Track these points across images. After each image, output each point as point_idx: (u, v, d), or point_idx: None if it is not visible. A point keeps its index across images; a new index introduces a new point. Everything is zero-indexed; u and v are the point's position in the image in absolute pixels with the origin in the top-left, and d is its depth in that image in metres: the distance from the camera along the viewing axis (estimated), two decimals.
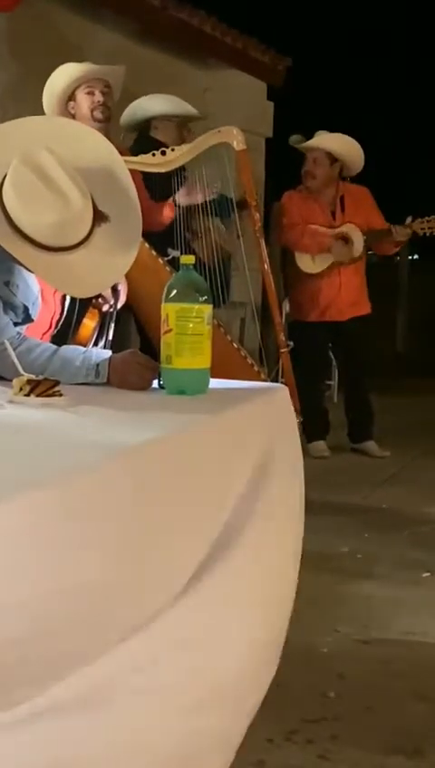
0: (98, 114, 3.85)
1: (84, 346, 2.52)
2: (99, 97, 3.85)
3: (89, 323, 2.80)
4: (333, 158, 5.01)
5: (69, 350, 2.05)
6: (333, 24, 16.45)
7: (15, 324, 2.12)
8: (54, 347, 2.05)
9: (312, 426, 5.04)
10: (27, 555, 1.03)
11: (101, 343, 2.89)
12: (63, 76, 3.82)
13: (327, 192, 5.10)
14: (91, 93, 3.85)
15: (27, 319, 2.18)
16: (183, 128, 4.09)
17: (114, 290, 2.75)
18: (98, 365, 1.97)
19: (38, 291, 2.20)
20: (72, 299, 2.60)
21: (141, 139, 4.04)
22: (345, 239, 5.02)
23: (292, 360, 5.11)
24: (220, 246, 3.73)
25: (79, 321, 2.77)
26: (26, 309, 2.16)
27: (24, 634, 1.04)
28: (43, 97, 3.82)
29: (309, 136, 5.12)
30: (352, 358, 5.35)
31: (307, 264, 5.12)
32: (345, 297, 5.12)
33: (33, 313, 2.20)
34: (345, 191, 5.13)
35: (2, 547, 1.00)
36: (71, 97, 3.83)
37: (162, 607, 1.34)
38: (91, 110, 3.84)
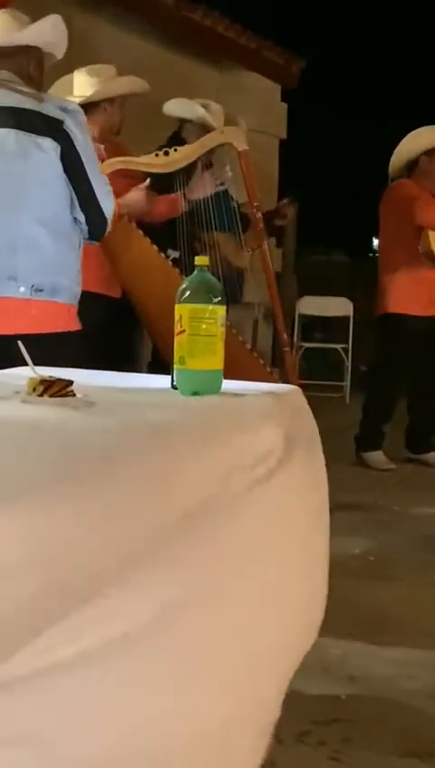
0: (119, 129, 3.84)
1: None
2: (123, 113, 3.82)
3: None
4: None
5: None
6: (348, 24, 16.42)
7: None
8: None
9: (374, 433, 4.93)
10: (35, 555, 1.04)
11: None
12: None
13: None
14: (123, 106, 3.79)
15: None
16: None
17: None
18: None
19: None
20: None
21: (173, 136, 4.04)
22: None
23: (384, 361, 4.88)
24: (229, 262, 3.70)
25: None
26: None
27: (24, 637, 1.03)
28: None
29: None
30: None
31: None
32: None
33: None
34: None
35: (10, 546, 1.00)
36: (110, 101, 3.77)
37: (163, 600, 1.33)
38: (119, 126, 3.80)
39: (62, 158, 2.57)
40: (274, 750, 1.90)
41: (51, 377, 1.70)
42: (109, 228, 2.69)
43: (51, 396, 1.64)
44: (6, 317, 2.57)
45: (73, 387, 1.69)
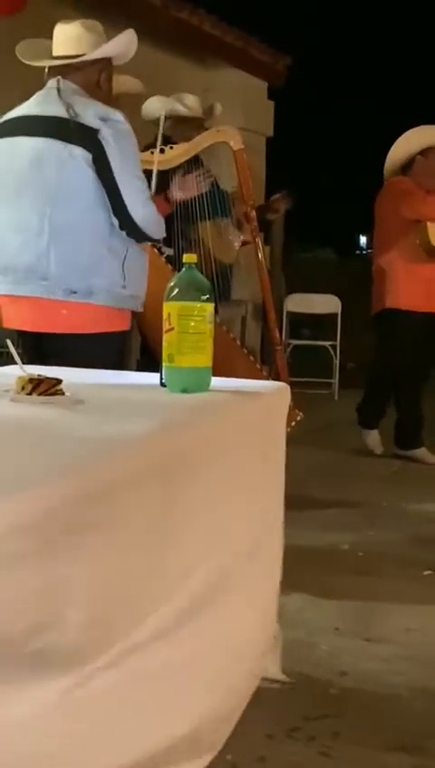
0: None
1: None
2: None
3: None
4: None
5: None
6: (334, 22, 16.43)
7: None
8: None
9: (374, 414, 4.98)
10: (26, 553, 1.04)
11: None
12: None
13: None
14: (117, 104, 3.78)
15: None
16: (198, 129, 4.03)
17: None
18: None
19: None
20: None
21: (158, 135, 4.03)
22: None
23: (386, 354, 4.88)
24: (216, 259, 3.70)
25: None
26: None
27: (20, 632, 1.04)
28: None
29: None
30: (431, 358, 5.00)
31: None
32: None
33: None
34: None
35: (2, 544, 1.00)
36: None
37: (161, 605, 1.34)
38: None
39: (95, 166, 2.64)
40: (263, 745, 1.92)
41: (40, 375, 1.70)
42: (148, 233, 2.74)
43: (39, 395, 1.64)
44: (39, 316, 2.70)
45: (62, 385, 1.69)
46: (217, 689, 1.55)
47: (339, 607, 2.75)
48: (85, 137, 2.64)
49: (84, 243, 2.67)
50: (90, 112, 2.67)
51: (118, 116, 2.70)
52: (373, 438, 5.03)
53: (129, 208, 2.67)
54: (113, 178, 2.65)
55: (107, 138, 2.64)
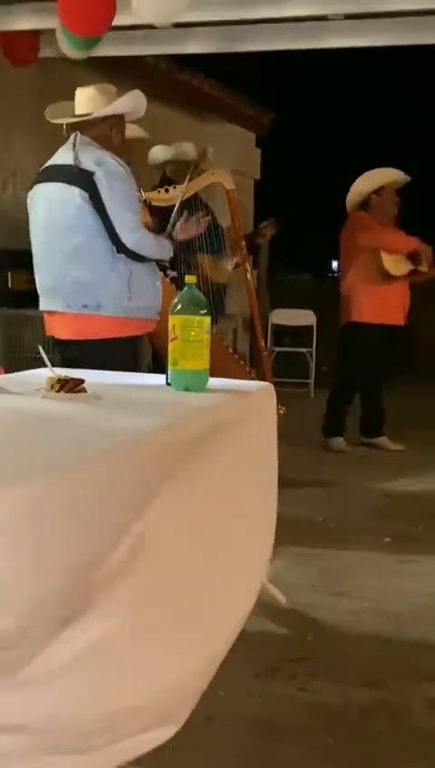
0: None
1: None
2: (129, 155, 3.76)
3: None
4: None
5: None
6: (311, 83, 16.46)
7: None
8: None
9: (336, 422, 4.95)
10: (32, 536, 1.01)
11: None
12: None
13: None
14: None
15: None
16: (193, 170, 4.01)
17: None
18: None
19: None
20: None
21: (162, 177, 4.05)
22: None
23: (348, 362, 4.87)
24: (211, 280, 3.72)
25: None
26: None
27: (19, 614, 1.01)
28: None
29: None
30: (390, 361, 5.01)
31: (392, 264, 4.73)
32: (407, 303, 4.87)
33: None
34: None
35: (10, 526, 0.99)
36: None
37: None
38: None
39: (91, 203, 2.70)
40: (250, 682, 1.93)
41: (66, 376, 1.72)
42: (144, 254, 2.77)
43: (66, 392, 1.66)
44: (63, 327, 2.83)
45: (85, 384, 1.71)
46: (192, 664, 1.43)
47: (314, 569, 2.76)
48: (83, 179, 2.70)
49: (91, 266, 2.74)
50: (89, 158, 2.73)
51: (110, 160, 2.74)
52: (340, 443, 4.94)
53: (120, 235, 2.72)
54: (105, 211, 2.70)
55: (100, 179, 2.69)
